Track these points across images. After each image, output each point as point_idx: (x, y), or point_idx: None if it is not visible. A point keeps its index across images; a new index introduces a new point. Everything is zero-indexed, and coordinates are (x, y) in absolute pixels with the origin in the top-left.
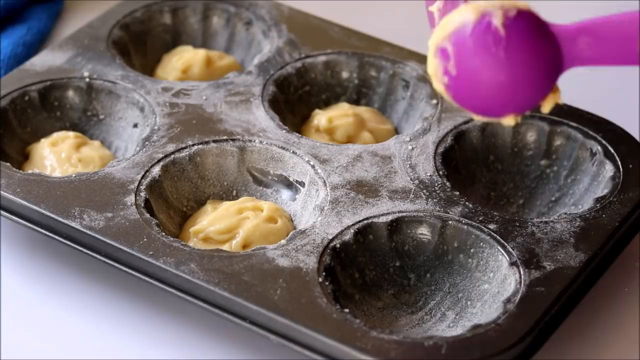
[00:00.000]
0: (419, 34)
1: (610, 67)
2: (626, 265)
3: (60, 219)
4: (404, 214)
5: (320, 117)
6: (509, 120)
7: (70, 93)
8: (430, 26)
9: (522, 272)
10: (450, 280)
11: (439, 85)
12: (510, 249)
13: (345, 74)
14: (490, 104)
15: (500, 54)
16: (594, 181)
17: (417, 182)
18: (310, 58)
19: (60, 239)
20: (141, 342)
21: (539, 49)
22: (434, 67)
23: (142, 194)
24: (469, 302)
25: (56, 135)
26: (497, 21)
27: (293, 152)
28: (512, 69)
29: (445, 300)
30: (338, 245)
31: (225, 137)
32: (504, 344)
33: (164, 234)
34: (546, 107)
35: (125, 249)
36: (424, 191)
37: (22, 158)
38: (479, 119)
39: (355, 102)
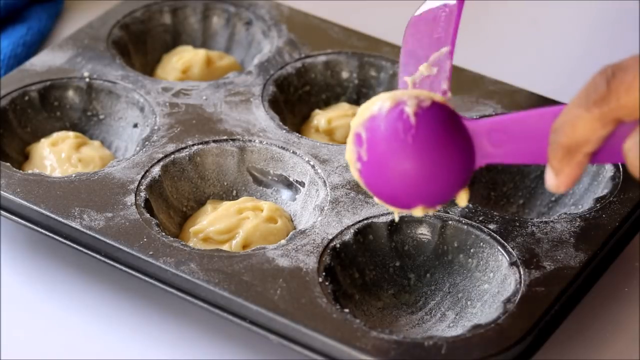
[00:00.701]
0: None
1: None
2: (626, 265)
3: (60, 218)
4: (404, 214)
5: (320, 118)
6: (418, 212)
7: (70, 93)
8: None
9: (522, 272)
10: (450, 280)
11: (354, 171)
12: (510, 249)
13: (345, 74)
14: (398, 192)
15: (409, 141)
16: (593, 181)
17: None
18: (310, 58)
19: (60, 239)
20: (141, 342)
21: (449, 140)
22: (349, 152)
23: (142, 194)
24: (469, 302)
25: (56, 135)
26: (409, 109)
27: (293, 152)
28: (419, 157)
29: (445, 300)
30: (338, 245)
31: (225, 137)
32: (504, 344)
33: (164, 234)
34: (461, 201)
35: (125, 249)
36: None
37: (22, 158)
38: (393, 210)
39: (356, 102)
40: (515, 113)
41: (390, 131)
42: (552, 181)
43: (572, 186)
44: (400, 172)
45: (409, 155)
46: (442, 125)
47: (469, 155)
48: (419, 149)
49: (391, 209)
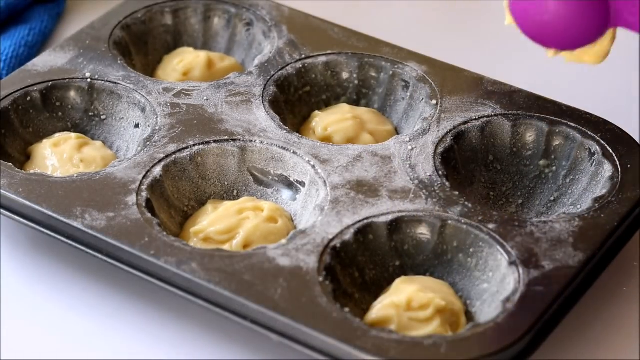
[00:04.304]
0: (419, 34)
1: (610, 67)
2: (625, 264)
3: (62, 218)
4: (404, 213)
5: (318, 123)
6: (550, 54)
7: (72, 93)
8: None
9: (521, 272)
10: (450, 279)
11: (508, 15)
12: (510, 249)
13: (345, 75)
14: (546, 31)
15: None
16: (592, 181)
17: (416, 182)
18: (311, 59)
19: (62, 238)
20: (142, 341)
21: None
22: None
23: (144, 193)
24: (468, 302)
25: (58, 136)
26: None
27: (293, 152)
28: None
29: None
30: (338, 245)
31: (226, 137)
32: (503, 343)
33: (165, 233)
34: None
35: (127, 248)
36: (424, 191)
37: (24, 158)
38: (548, 53)
39: (355, 102)
40: None
41: None
42: None
43: None
44: (548, 9)
45: None
46: None
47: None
48: None
49: (541, 46)
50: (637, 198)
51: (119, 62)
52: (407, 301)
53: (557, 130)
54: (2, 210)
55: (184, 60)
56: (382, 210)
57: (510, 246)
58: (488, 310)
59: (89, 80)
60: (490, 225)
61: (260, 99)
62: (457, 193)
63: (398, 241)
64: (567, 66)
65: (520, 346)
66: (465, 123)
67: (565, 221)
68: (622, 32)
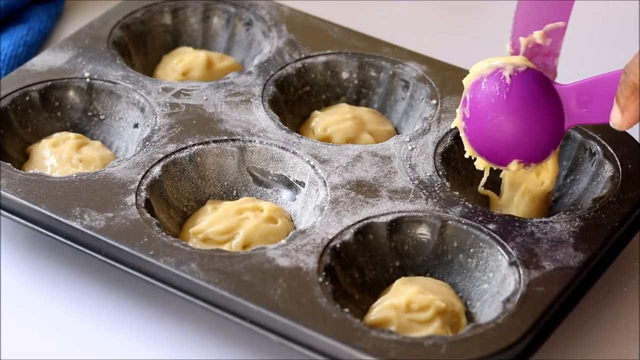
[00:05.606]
0: (419, 34)
1: (610, 68)
2: (625, 265)
3: (61, 218)
4: (404, 214)
5: (317, 123)
6: (513, 167)
7: (71, 93)
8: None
9: (521, 272)
10: (450, 280)
11: (461, 132)
12: (510, 249)
13: (345, 74)
14: (495, 145)
15: (503, 97)
16: (593, 181)
17: (416, 182)
18: (310, 58)
19: (61, 238)
20: (141, 341)
21: (539, 97)
22: (457, 117)
23: (143, 194)
24: (468, 302)
25: (57, 136)
26: (506, 72)
27: (293, 152)
28: (512, 111)
29: None
30: (338, 245)
31: (225, 137)
32: (503, 343)
33: (164, 233)
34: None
35: (126, 248)
36: (424, 191)
37: (22, 158)
38: (492, 166)
39: (355, 102)
40: (598, 75)
41: (489, 90)
42: (617, 118)
43: (633, 124)
44: (497, 124)
45: (504, 109)
46: (534, 85)
47: (557, 114)
48: (513, 104)
49: (490, 165)
50: (638, 198)
51: (118, 61)
52: (407, 303)
53: None
54: (1, 211)
55: (183, 60)
56: (382, 210)
57: (511, 246)
58: (488, 310)
59: (87, 80)
60: (491, 226)
61: (260, 98)
62: (457, 193)
63: (398, 241)
64: (566, 66)
65: (521, 347)
66: None
67: (565, 221)
68: (621, 31)
